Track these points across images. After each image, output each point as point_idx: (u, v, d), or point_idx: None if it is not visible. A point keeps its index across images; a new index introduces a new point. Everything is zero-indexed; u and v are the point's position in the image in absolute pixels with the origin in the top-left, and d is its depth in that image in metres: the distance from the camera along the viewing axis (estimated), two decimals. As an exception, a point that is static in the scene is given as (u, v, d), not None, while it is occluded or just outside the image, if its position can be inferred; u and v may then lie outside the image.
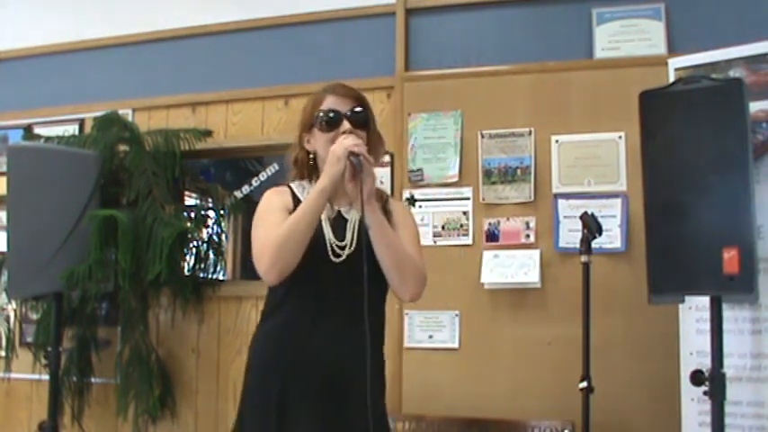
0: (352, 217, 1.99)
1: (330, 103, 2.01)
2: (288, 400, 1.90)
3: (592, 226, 2.55)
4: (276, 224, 1.90)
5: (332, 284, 1.93)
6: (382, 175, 3.24)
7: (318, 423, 1.88)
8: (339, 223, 1.99)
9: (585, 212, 2.60)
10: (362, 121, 2.00)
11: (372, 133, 2.04)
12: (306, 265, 1.87)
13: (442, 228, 3.12)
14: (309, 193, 1.94)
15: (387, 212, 2.02)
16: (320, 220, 1.94)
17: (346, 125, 1.96)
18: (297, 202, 1.98)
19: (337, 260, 1.93)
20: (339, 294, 1.92)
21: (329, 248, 1.94)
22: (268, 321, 2.03)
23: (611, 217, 2.90)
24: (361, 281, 1.84)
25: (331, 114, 1.98)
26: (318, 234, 1.92)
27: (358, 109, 2.00)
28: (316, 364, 1.91)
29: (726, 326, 2.26)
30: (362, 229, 1.91)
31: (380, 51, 3.35)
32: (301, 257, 1.87)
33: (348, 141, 1.89)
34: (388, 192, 3.21)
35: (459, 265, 3.07)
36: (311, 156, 2.03)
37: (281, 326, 1.97)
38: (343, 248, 1.94)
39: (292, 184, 2.07)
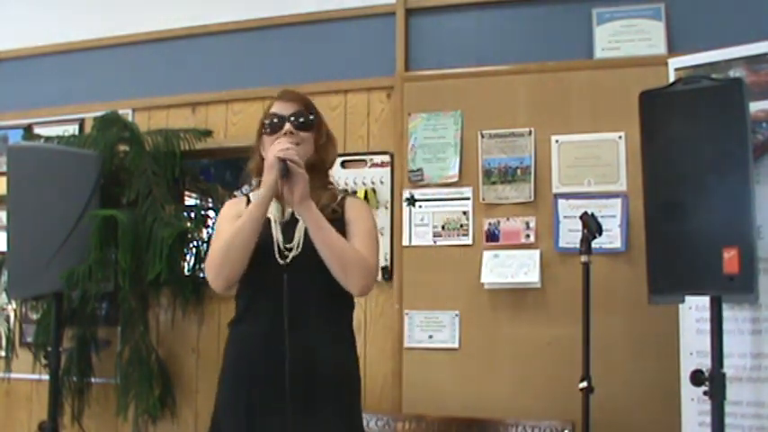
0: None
1: (275, 108, 2.09)
2: (255, 402, 1.96)
3: (592, 226, 2.55)
4: (225, 234, 1.99)
5: (283, 286, 1.96)
6: (382, 176, 3.24)
7: (287, 423, 1.92)
8: (291, 226, 2.03)
9: (585, 212, 2.60)
10: (304, 122, 2.06)
11: (321, 135, 2.11)
12: (257, 268, 1.95)
13: (442, 228, 3.12)
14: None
15: (340, 210, 2.07)
16: (270, 223, 2.01)
17: (287, 126, 2.03)
18: None
19: (283, 261, 1.98)
20: (292, 296, 1.96)
21: (276, 250, 1.99)
22: (236, 327, 2.10)
23: (611, 217, 2.90)
24: (310, 282, 1.95)
25: (273, 119, 2.06)
26: (268, 237, 1.99)
27: (306, 113, 2.07)
28: (277, 367, 1.93)
29: (726, 326, 2.26)
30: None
31: (380, 51, 3.35)
32: (255, 260, 1.95)
33: (276, 147, 1.95)
34: (389, 193, 3.22)
35: (460, 265, 3.07)
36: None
37: (243, 333, 2.05)
38: (290, 250, 1.99)
39: (251, 194, 2.14)
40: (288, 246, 1.99)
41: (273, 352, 1.94)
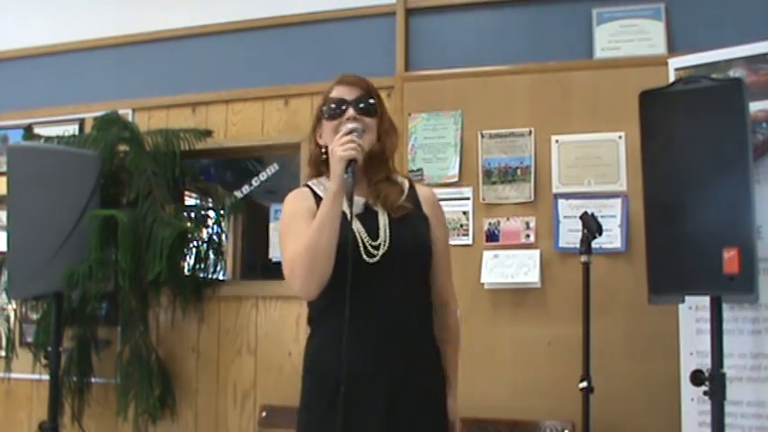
0: (381, 211, 1.92)
1: (337, 92, 1.96)
2: (350, 402, 1.78)
3: (592, 226, 2.55)
4: (302, 236, 1.81)
5: (369, 286, 1.82)
6: (382, 175, 3.24)
7: (380, 422, 1.82)
8: (369, 220, 1.91)
9: (585, 212, 2.60)
10: (368, 108, 1.94)
11: (384, 121, 1.99)
12: (340, 269, 1.77)
13: (442, 228, 3.12)
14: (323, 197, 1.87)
15: (414, 203, 1.98)
16: (346, 217, 1.81)
17: (351, 112, 1.92)
18: (320, 201, 1.89)
19: (371, 260, 1.85)
20: (379, 295, 1.85)
21: (362, 249, 1.85)
22: (316, 335, 1.95)
23: (611, 217, 2.90)
24: (401, 279, 1.86)
25: (335, 103, 1.94)
26: (347, 232, 1.80)
27: (367, 98, 1.95)
28: (367, 370, 1.82)
29: (726, 326, 2.26)
30: (393, 226, 1.88)
31: (380, 51, 3.35)
32: (334, 262, 1.79)
33: (342, 141, 1.81)
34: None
35: (460, 265, 3.05)
36: (323, 150, 1.96)
37: (326, 341, 1.88)
38: (377, 248, 1.86)
39: (311, 183, 2.01)
40: (374, 243, 1.86)
41: (370, 352, 1.82)
